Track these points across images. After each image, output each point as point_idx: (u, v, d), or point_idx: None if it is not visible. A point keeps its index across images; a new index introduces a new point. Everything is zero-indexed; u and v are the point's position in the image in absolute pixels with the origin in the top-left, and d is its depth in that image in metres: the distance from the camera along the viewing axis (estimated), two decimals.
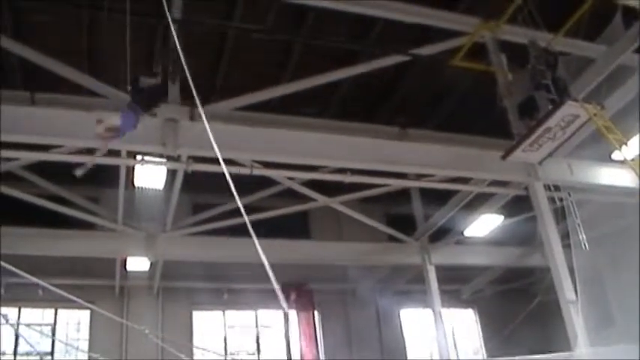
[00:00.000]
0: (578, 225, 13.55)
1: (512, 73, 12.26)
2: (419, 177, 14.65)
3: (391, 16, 12.56)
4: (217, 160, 6.04)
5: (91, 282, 16.69)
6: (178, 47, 7.14)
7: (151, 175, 12.85)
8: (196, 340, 18.56)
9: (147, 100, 9.06)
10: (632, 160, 11.25)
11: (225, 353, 18.63)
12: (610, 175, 14.11)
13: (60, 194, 14.89)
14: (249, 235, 5.13)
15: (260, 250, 4.76)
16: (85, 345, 17.13)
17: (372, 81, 15.40)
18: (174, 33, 7.64)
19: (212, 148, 6.02)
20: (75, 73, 11.30)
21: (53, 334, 17.21)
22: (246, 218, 5.28)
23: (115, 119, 8.41)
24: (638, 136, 13.24)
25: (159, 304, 18.36)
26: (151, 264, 16.50)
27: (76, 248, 14.92)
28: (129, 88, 8.93)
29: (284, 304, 4.45)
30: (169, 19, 8.11)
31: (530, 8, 12.15)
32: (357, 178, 13.51)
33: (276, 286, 4.29)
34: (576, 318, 11.56)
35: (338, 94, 15.98)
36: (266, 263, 4.54)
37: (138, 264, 16.38)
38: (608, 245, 14.18)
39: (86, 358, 17.32)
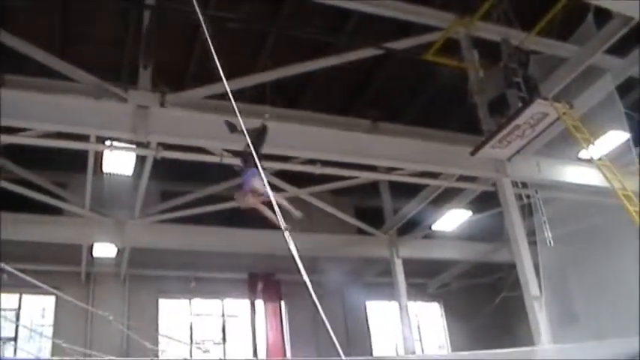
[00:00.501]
0: (544, 222, 13.72)
1: (484, 70, 12.35)
2: (389, 170, 14.71)
3: (367, 9, 12.59)
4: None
5: (57, 268, 16.52)
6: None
7: (119, 162, 12.75)
8: (162, 328, 18.46)
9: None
10: (599, 159, 11.39)
11: (191, 342, 18.58)
12: (577, 173, 14.29)
13: (27, 178, 14.71)
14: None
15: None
16: (49, 331, 16.97)
17: (347, 74, 15.40)
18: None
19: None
20: (46, 56, 11.17)
21: (17, 319, 17.01)
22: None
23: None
24: (605, 136, 13.45)
25: (125, 291, 18.22)
26: (118, 251, 16.38)
27: (42, 233, 14.74)
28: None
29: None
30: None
31: (504, 6, 12.25)
32: (328, 170, 13.54)
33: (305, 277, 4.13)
34: (540, 313, 11.72)
35: (312, 86, 15.96)
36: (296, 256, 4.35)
37: (105, 250, 16.26)
38: (573, 243, 14.34)
39: (50, 344, 17.16)
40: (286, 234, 4.75)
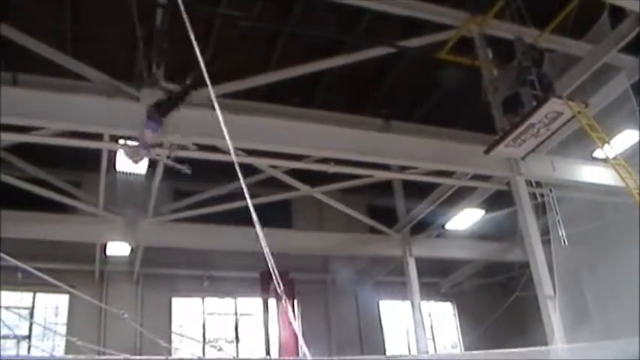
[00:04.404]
0: (559, 221, 13.63)
1: (498, 68, 12.29)
2: (402, 169, 14.69)
3: (380, 7, 12.53)
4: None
5: (71, 266, 16.57)
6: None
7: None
8: (175, 326, 18.53)
9: (166, 107, 9.52)
10: (614, 158, 11.32)
11: (204, 340, 18.62)
12: (591, 172, 14.23)
13: (41, 177, 14.79)
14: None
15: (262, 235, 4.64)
16: (63, 329, 17.05)
17: (359, 72, 15.38)
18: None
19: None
20: (58, 54, 11.21)
21: (31, 317, 17.11)
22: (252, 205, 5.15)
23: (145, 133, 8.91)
24: (620, 135, 13.39)
25: (138, 290, 18.32)
26: (132, 249, 16.44)
27: (56, 232, 14.80)
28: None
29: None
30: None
31: (518, 4, 12.18)
32: (340, 169, 13.53)
33: None
34: (554, 313, 11.66)
35: (324, 85, 15.95)
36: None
37: (118, 249, 16.32)
38: (587, 242, 14.27)
39: (64, 342, 17.24)
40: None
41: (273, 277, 4.22)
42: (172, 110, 9.57)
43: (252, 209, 4.71)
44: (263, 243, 4.50)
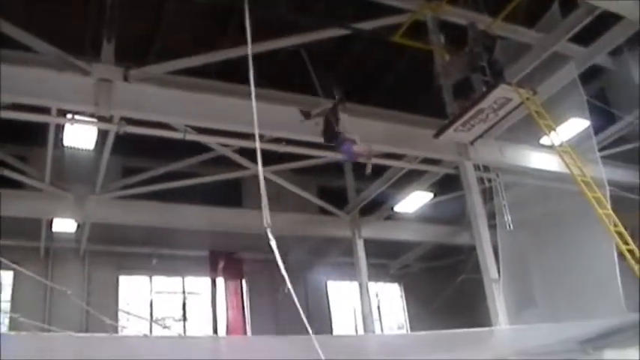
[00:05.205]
0: (505, 206, 13.88)
1: (450, 53, 12.39)
2: None
3: None
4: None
5: (16, 242, 16.29)
6: None
7: (81, 135, 12.56)
8: (122, 304, 18.39)
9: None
10: (561, 146, 11.54)
11: (151, 319, 18.53)
12: (538, 159, 14.49)
13: None
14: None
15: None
16: (7, 306, 16.79)
17: (313, 54, 15.33)
18: None
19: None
20: (6, 25, 10.91)
21: None
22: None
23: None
24: (567, 123, 13.64)
25: (85, 267, 18.08)
26: (78, 226, 16.22)
27: (1, 207, 14.52)
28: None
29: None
30: None
31: None
32: (291, 149, 13.52)
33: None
34: (498, 296, 11.88)
35: (278, 65, 15.87)
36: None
37: (64, 225, 16.09)
38: (532, 227, 14.54)
39: (8, 319, 16.98)
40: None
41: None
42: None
43: None
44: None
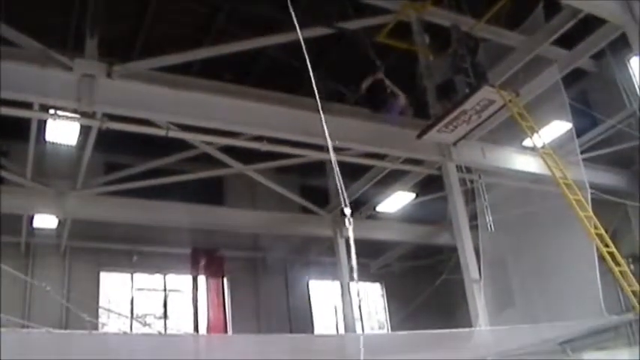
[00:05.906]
0: (486, 207, 13.95)
1: (434, 54, 12.44)
2: (335, 150, 14.70)
3: None
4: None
5: None
6: None
7: (63, 131, 12.46)
8: (103, 301, 18.28)
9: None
10: (542, 148, 11.61)
11: (132, 316, 18.44)
12: (520, 161, 14.57)
13: None
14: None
15: None
16: None
17: (297, 53, 15.32)
18: None
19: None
20: None
21: None
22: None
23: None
24: (549, 125, 13.72)
25: (65, 263, 17.92)
26: (59, 222, 16.09)
27: None
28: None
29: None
30: None
31: None
32: (274, 147, 13.49)
33: None
34: (479, 297, 11.93)
35: (261, 63, 15.87)
36: None
37: (45, 221, 15.94)
38: (513, 229, 14.60)
39: None
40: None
41: None
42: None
43: None
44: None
